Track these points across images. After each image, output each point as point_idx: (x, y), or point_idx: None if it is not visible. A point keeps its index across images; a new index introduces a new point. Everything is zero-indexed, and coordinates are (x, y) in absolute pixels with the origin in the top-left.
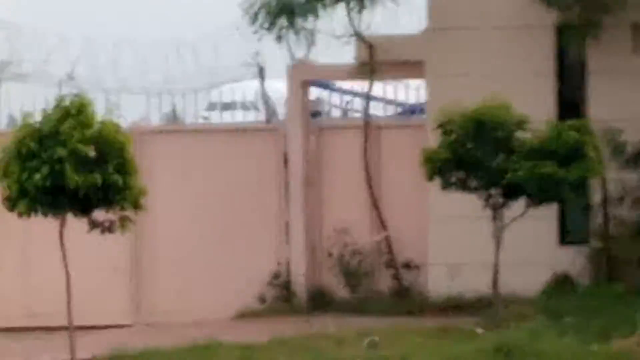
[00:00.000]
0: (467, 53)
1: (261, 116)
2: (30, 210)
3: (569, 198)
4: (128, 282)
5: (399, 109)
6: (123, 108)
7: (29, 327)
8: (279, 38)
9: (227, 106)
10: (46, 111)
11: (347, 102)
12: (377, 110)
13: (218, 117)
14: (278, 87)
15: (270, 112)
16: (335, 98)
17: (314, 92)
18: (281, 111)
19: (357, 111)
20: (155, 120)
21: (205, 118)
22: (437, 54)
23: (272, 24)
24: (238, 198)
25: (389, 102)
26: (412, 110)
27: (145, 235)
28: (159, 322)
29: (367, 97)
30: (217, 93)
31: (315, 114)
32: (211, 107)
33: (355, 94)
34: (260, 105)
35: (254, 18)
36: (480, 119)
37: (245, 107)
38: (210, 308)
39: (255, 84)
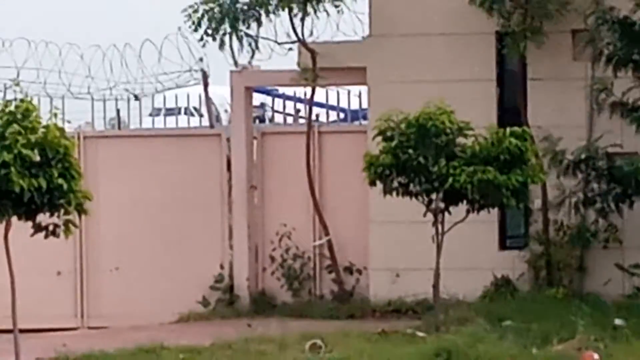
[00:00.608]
0: (408, 59)
1: (205, 122)
2: None
3: (510, 203)
4: (72, 286)
5: (341, 115)
6: (68, 113)
7: None
8: (221, 44)
9: (171, 111)
10: None
11: (298, 111)
12: (320, 116)
13: (162, 123)
14: (222, 93)
15: (214, 118)
16: (278, 104)
17: (257, 98)
18: (224, 117)
19: (301, 117)
20: (100, 125)
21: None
22: (378, 60)
23: (215, 30)
24: (182, 202)
25: (331, 107)
26: (354, 116)
27: (89, 239)
28: (103, 326)
29: (310, 103)
30: (161, 98)
31: (260, 120)
32: (155, 112)
33: (297, 99)
34: (204, 111)
35: (198, 24)
36: (422, 125)
37: (189, 112)
38: (153, 312)
39: (199, 89)
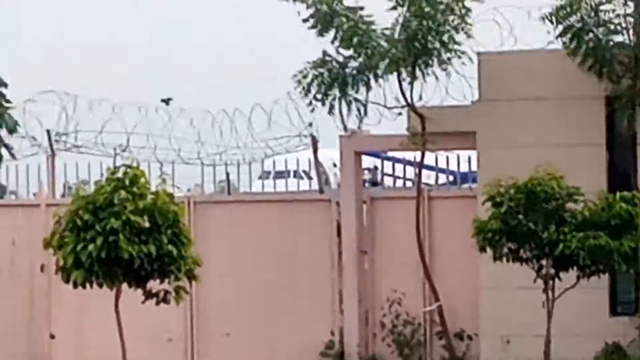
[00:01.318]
0: (518, 124)
1: (314, 185)
2: (85, 281)
3: (621, 269)
4: (183, 352)
5: (451, 178)
6: (177, 177)
7: None
8: (331, 109)
9: (281, 174)
10: (100, 182)
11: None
12: (429, 178)
13: (271, 186)
14: (330, 156)
15: (323, 182)
16: (387, 166)
17: (367, 160)
18: (333, 179)
19: (409, 179)
20: (210, 188)
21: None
22: (488, 125)
23: (324, 95)
24: (292, 267)
25: (440, 170)
26: (463, 179)
27: (199, 305)
28: None
29: (419, 168)
30: (270, 162)
31: (374, 184)
32: (265, 175)
33: (407, 162)
34: (313, 174)
35: (307, 89)
36: (532, 191)
37: (298, 175)
38: None
39: (308, 153)
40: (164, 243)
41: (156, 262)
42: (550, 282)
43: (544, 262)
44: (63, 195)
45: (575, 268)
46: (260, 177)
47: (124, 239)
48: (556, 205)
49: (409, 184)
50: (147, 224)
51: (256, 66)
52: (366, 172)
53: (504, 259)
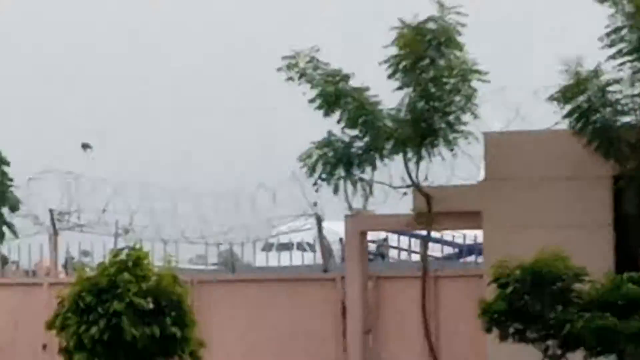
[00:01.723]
0: (524, 203)
1: (317, 258)
2: None
3: (629, 349)
4: None
5: (456, 250)
6: (181, 257)
7: None
8: (336, 189)
9: (284, 247)
10: (103, 264)
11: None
12: (434, 251)
13: (275, 258)
14: (335, 229)
15: (327, 256)
16: (392, 239)
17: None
18: (338, 253)
19: (414, 252)
20: (212, 261)
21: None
22: (494, 204)
23: (329, 175)
24: (296, 346)
25: (445, 243)
26: (469, 251)
27: None
28: None
29: (425, 250)
30: (275, 234)
31: (382, 256)
32: (268, 247)
33: (412, 235)
34: (317, 247)
35: (312, 169)
36: (538, 272)
37: (301, 247)
38: None
39: (312, 233)
40: (167, 325)
41: (160, 344)
42: None
43: (550, 342)
44: (65, 267)
45: (582, 349)
46: (263, 249)
47: (127, 321)
48: (562, 286)
49: (414, 256)
50: (150, 306)
51: (259, 145)
52: (373, 244)
53: (510, 339)
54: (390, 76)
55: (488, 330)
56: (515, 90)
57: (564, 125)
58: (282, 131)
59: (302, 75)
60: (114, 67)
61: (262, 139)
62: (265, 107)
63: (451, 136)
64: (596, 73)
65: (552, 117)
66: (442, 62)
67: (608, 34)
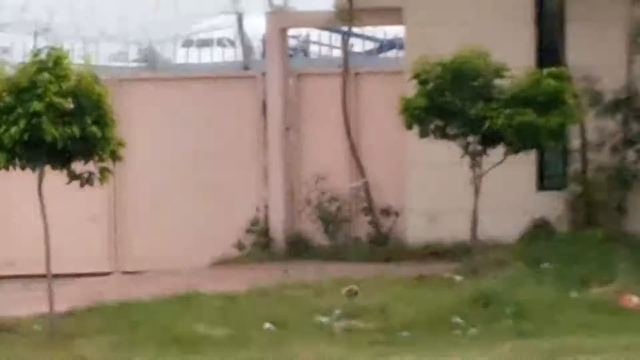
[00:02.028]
0: (445, 0)
1: (238, 54)
2: (8, 164)
3: (548, 145)
4: (106, 231)
5: (376, 45)
6: (102, 55)
7: (7, 276)
8: None
9: (204, 43)
10: (23, 63)
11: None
12: (355, 46)
13: (195, 55)
14: (255, 24)
15: (248, 52)
16: (314, 35)
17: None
18: (258, 50)
19: (335, 47)
20: (133, 58)
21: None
22: (415, 1)
23: None
24: (216, 145)
25: (367, 38)
26: (390, 46)
27: (123, 185)
28: (137, 270)
29: (345, 45)
30: (196, 31)
31: (304, 52)
32: (187, 43)
33: (334, 30)
34: (237, 43)
35: None
36: (458, 68)
37: (222, 44)
38: (188, 256)
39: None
40: (88, 125)
41: (80, 144)
42: (478, 158)
43: (470, 138)
44: None
45: (502, 144)
46: (183, 46)
47: (47, 121)
48: (483, 82)
49: (336, 52)
50: (71, 106)
51: None
52: (296, 40)
53: (431, 136)
54: None
55: (409, 127)
56: None
57: None
58: None
59: None
60: None
61: None
62: None
63: None
64: None
65: None
66: None
67: None
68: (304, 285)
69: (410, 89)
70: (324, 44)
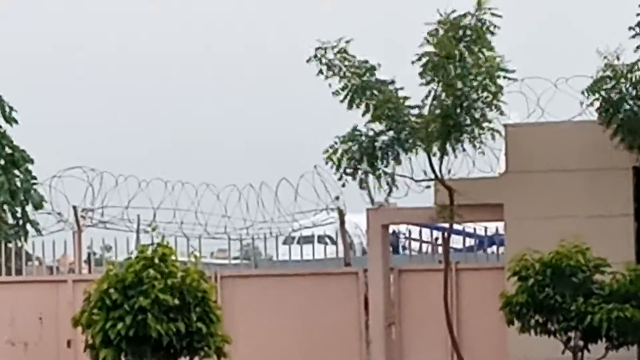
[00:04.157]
0: (545, 195)
1: (339, 250)
2: (114, 359)
3: None
4: None
5: (476, 242)
6: (205, 252)
7: None
8: (361, 184)
9: (306, 240)
10: (129, 260)
11: (437, 240)
12: (455, 243)
13: (297, 251)
14: (356, 221)
15: (349, 249)
16: (414, 231)
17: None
18: (358, 246)
19: (437, 244)
20: (234, 255)
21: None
22: (515, 196)
23: (354, 170)
24: (319, 341)
25: (467, 234)
26: (490, 243)
27: None
28: None
29: (447, 243)
30: (297, 228)
31: (394, 248)
32: (290, 240)
33: (434, 227)
34: (339, 240)
35: (338, 164)
36: (558, 265)
37: (323, 241)
38: None
39: (334, 227)
40: (193, 321)
41: (185, 340)
42: (579, 354)
43: (571, 334)
44: (88, 263)
45: (603, 339)
46: (285, 243)
47: (152, 317)
48: (583, 277)
49: (435, 248)
50: (176, 302)
51: (282, 140)
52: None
53: (532, 331)
54: (421, 74)
55: (510, 322)
56: (535, 82)
57: (585, 116)
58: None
59: (330, 67)
60: (137, 67)
61: (285, 133)
62: (289, 101)
63: (477, 132)
64: (632, 67)
65: (571, 110)
66: (470, 60)
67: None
68: None
69: (511, 284)
70: (425, 241)
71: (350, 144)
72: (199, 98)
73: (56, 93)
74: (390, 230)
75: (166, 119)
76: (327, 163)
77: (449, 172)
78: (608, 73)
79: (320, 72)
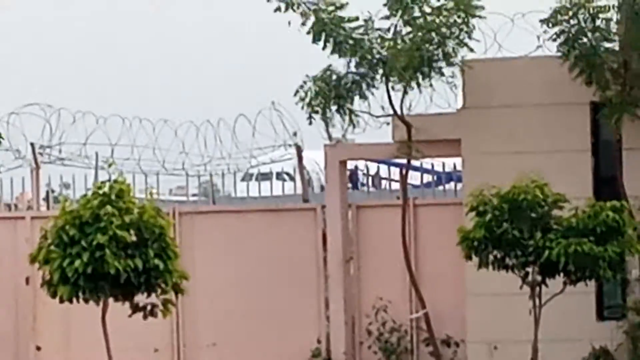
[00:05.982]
0: (503, 131)
1: (298, 187)
2: (71, 296)
3: (606, 275)
4: None
5: (434, 178)
6: (162, 188)
7: None
8: (326, 121)
9: (264, 176)
10: (86, 197)
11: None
12: (412, 179)
13: (255, 188)
14: (314, 157)
15: (307, 185)
16: (372, 167)
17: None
18: (317, 183)
19: (394, 180)
20: (192, 191)
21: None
22: (473, 132)
23: (324, 109)
24: (277, 276)
25: (425, 170)
26: (448, 179)
27: (185, 315)
28: None
29: (404, 178)
30: (255, 165)
31: (353, 184)
32: (248, 177)
33: (391, 163)
34: (297, 177)
35: (309, 104)
36: (516, 200)
37: (281, 177)
38: None
39: (292, 162)
40: (150, 257)
41: (143, 276)
42: (537, 288)
43: (529, 269)
44: (46, 200)
45: (561, 274)
46: (243, 179)
47: (110, 254)
48: (541, 212)
49: (394, 184)
50: (133, 239)
51: (240, 76)
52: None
53: (490, 267)
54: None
55: (468, 258)
56: (492, 18)
57: (544, 52)
58: (263, 61)
59: (290, 4)
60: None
61: (243, 70)
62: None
63: (445, 68)
64: None
65: (528, 46)
66: None
67: None
68: None
69: (469, 220)
70: (382, 177)
71: (321, 83)
72: (154, 37)
73: (11, 28)
74: (349, 167)
75: (126, 55)
76: (297, 103)
77: (409, 108)
78: (566, 4)
79: (278, 9)
